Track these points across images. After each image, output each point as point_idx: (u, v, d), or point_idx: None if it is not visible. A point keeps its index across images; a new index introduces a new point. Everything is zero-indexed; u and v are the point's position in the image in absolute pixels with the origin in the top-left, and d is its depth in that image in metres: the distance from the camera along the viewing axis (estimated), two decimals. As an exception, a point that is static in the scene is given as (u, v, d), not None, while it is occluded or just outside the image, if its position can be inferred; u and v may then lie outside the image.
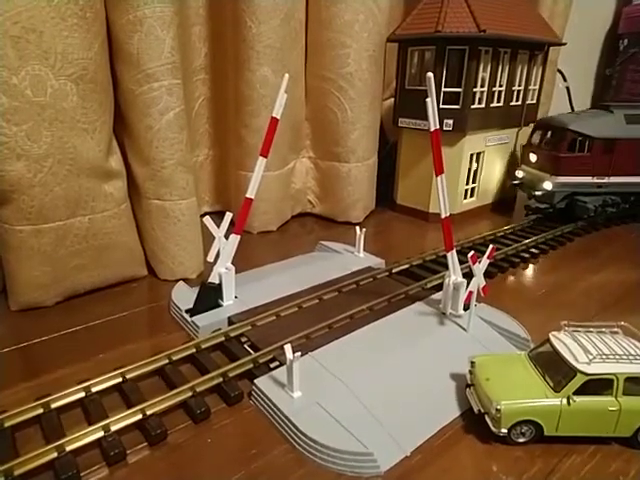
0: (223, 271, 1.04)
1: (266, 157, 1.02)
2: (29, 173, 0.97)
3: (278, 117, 1.00)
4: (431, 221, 1.67)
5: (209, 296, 1.04)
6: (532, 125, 1.77)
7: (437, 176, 0.94)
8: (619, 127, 1.55)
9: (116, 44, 1.07)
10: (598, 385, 0.70)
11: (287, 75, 0.99)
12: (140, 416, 0.74)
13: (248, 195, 1.04)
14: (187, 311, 1.02)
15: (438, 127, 0.91)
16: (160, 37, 1.06)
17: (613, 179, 1.58)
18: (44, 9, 0.90)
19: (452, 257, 0.97)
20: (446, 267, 1.00)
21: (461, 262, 1.00)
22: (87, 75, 0.99)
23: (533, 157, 1.64)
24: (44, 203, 1.00)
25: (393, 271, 1.25)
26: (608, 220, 1.67)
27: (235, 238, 1.05)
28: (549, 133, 1.62)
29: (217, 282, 1.04)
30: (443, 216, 0.96)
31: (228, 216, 1.06)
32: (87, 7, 0.96)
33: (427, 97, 0.89)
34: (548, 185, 1.56)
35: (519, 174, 1.72)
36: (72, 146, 1.01)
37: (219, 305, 1.05)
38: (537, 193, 1.59)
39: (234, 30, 1.39)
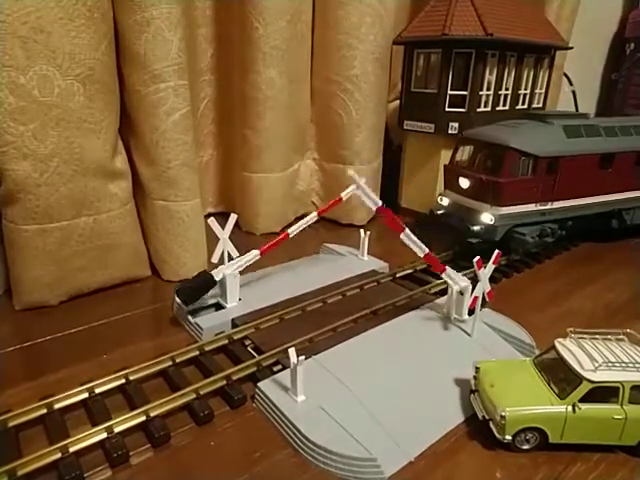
0: (228, 272, 1.04)
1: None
2: (35, 172, 0.97)
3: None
4: (435, 224, 1.66)
5: (203, 282, 1.02)
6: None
7: (401, 233, 0.93)
8: (560, 142, 1.30)
9: (123, 45, 1.07)
10: (604, 393, 0.70)
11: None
12: (143, 418, 0.74)
13: (290, 233, 1.08)
14: (178, 293, 1.01)
15: (380, 204, 0.89)
16: (167, 38, 1.06)
17: (557, 204, 1.34)
18: (52, 10, 0.90)
19: (447, 275, 0.97)
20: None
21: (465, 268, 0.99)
22: (94, 75, 0.99)
23: (464, 182, 1.30)
24: (50, 203, 1.00)
25: (397, 275, 1.25)
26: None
27: (255, 255, 1.06)
28: (483, 151, 1.30)
29: (217, 278, 1.03)
30: (422, 255, 0.96)
31: (233, 217, 1.06)
32: (95, 8, 0.96)
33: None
34: (488, 218, 1.25)
35: (443, 202, 1.39)
36: (78, 146, 1.01)
37: (207, 290, 1.03)
38: (475, 228, 1.26)
39: (240, 31, 1.39)
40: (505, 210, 1.25)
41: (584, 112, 1.49)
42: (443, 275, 0.97)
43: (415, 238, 0.93)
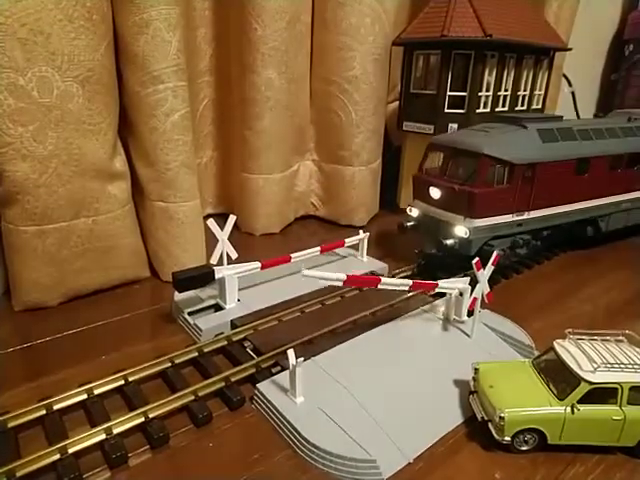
0: (227, 273, 1.04)
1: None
2: (34, 174, 0.97)
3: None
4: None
5: (202, 274, 1.02)
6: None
7: (378, 284, 0.90)
8: (536, 147, 1.20)
9: (122, 46, 1.07)
10: (602, 394, 0.70)
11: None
12: (142, 419, 0.74)
13: (294, 258, 1.14)
14: (175, 285, 1.00)
15: (345, 278, 0.83)
16: (166, 39, 1.06)
17: (533, 213, 1.24)
18: (52, 11, 0.90)
19: (442, 288, 0.97)
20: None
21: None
22: (93, 77, 0.99)
23: (435, 192, 1.18)
24: (48, 204, 1.00)
25: (396, 277, 1.24)
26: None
27: (256, 267, 1.07)
28: (455, 159, 1.19)
29: (217, 277, 1.03)
30: (407, 288, 0.93)
31: (232, 218, 1.06)
32: (94, 9, 0.96)
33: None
34: (462, 231, 1.14)
35: (413, 213, 1.27)
36: (77, 147, 1.01)
37: (205, 282, 1.03)
38: (448, 242, 1.16)
39: (239, 32, 1.39)
40: (480, 222, 1.14)
41: (558, 114, 1.43)
42: (437, 290, 0.96)
43: (395, 280, 0.92)
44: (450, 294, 0.98)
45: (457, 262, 1.18)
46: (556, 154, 1.24)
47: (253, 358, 0.89)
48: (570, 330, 0.79)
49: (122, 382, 0.82)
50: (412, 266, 1.31)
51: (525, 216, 1.23)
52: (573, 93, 1.89)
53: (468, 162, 1.15)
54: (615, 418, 0.70)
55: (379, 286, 0.89)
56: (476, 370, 0.80)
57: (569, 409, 0.70)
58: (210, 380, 0.82)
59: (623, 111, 1.71)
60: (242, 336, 0.96)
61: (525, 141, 1.20)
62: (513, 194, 1.18)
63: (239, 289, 1.07)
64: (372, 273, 1.25)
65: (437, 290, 0.97)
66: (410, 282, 0.93)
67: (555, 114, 1.52)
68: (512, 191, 1.17)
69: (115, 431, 0.71)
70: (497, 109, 1.62)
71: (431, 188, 1.20)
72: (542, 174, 1.21)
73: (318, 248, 1.21)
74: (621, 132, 1.42)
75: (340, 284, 0.83)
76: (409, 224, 1.27)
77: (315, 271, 0.80)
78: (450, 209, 1.18)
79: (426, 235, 1.25)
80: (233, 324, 1.00)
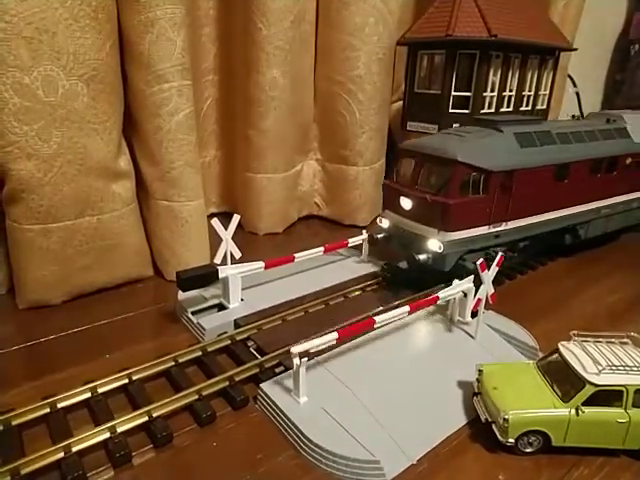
0: (231, 273, 1.04)
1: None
2: (39, 172, 0.97)
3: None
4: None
5: (206, 273, 1.02)
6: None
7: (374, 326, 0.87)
8: (515, 153, 1.12)
9: (127, 45, 1.07)
10: (607, 396, 0.70)
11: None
12: (146, 418, 0.74)
13: (297, 257, 1.15)
14: (179, 284, 1.00)
15: (337, 336, 0.80)
16: (171, 38, 1.06)
17: (511, 224, 1.15)
18: (57, 10, 0.90)
19: (444, 298, 0.95)
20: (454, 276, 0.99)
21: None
22: (98, 76, 0.99)
23: (406, 202, 1.10)
24: (53, 203, 1.01)
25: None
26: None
27: (259, 267, 1.08)
28: (426, 166, 1.09)
29: (221, 276, 1.03)
30: (407, 312, 0.90)
31: (235, 218, 1.06)
32: (99, 8, 0.97)
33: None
34: (436, 245, 1.05)
35: (383, 224, 1.20)
36: (82, 146, 1.01)
37: (208, 281, 1.03)
38: (421, 257, 1.07)
39: (244, 31, 1.39)
40: (455, 235, 1.05)
41: (538, 117, 1.34)
42: (439, 302, 0.95)
43: (391, 313, 0.88)
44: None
45: (428, 277, 1.11)
46: (535, 160, 1.15)
47: (257, 358, 0.89)
48: (575, 332, 0.79)
49: (126, 381, 0.82)
50: (373, 281, 1.22)
51: (503, 227, 1.14)
52: (578, 93, 1.89)
53: (441, 170, 1.05)
54: (620, 421, 0.70)
55: (375, 325, 0.87)
56: (480, 371, 0.79)
57: (573, 411, 0.70)
58: (214, 380, 0.82)
59: (601, 112, 1.69)
60: (245, 336, 0.96)
61: (502, 146, 1.12)
62: (490, 204, 1.09)
63: (242, 288, 1.07)
64: (375, 273, 1.25)
65: (438, 303, 0.96)
66: (407, 308, 0.90)
67: (533, 117, 1.43)
68: (489, 201, 1.09)
69: (119, 430, 0.71)
70: (502, 109, 1.62)
71: (402, 198, 1.11)
72: (520, 181, 1.12)
73: (321, 248, 1.21)
74: (600, 135, 1.36)
75: (334, 342, 0.81)
76: (379, 236, 1.20)
77: (304, 343, 0.76)
78: (422, 221, 1.09)
79: (398, 248, 1.17)
80: (236, 323, 1.00)
